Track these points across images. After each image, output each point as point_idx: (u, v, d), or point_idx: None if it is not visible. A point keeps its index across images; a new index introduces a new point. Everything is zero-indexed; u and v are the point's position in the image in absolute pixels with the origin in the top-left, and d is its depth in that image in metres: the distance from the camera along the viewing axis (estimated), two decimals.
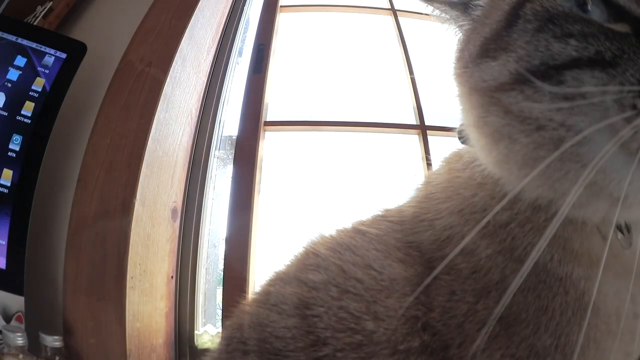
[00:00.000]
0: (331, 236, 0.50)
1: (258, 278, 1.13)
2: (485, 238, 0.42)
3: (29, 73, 1.04)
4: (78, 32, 1.30)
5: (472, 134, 0.44)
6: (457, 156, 0.50)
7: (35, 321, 0.97)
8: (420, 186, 0.52)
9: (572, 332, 0.39)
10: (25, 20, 1.25)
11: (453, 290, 0.41)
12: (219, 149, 1.29)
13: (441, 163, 0.52)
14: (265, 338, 0.43)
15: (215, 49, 1.35)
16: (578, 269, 0.40)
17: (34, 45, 1.05)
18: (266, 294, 0.48)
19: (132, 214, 0.96)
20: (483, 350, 0.39)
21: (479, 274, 0.41)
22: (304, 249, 0.50)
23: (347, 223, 0.52)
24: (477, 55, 0.40)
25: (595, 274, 0.39)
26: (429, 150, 1.33)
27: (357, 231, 0.49)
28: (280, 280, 0.48)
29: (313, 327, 0.41)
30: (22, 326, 0.94)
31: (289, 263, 0.51)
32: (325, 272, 0.45)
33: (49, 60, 1.05)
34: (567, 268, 0.41)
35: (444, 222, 0.45)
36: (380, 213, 0.51)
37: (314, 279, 0.45)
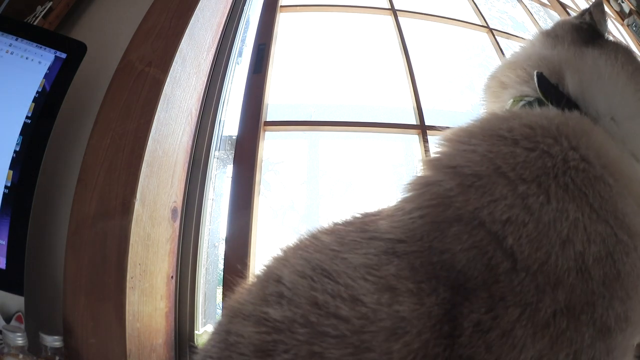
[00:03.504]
0: (300, 253, 0.41)
1: None
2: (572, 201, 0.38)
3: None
4: (78, 32, 1.30)
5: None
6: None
7: (35, 321, 0.97)
8: (416, 186, 0.45)
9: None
10: (25, 20, 1.25)
11: (503, 296, 0.36)
12: (219, 149, 1.29)
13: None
14: None
15: (215, 49, 1.35)
16: None
17: (34, 45, 1.05)
18: (226, 333, 0.39)
19: (132, 213, 0.96)
20: (538, 358, 0.34)
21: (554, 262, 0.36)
22: (265, 270, 0.42)
23: (320, 232, 0.43)
24: None
25: None
26: (429, 150, 1.33)
27: (335, 254, 0.39)
28: (240, 313, 0.39)
29: None
30: (22, 326, 0.94)
31: (249, 288, 0.42)
32: (290, 307, 0.36)
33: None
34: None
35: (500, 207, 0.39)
36: (364, 228, 0.43)
37: (274, 315, 0.36)
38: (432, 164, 0.47)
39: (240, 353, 0.36)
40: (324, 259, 0.39)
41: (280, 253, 0.44)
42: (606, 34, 0.61)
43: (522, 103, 0.54)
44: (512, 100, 0.56)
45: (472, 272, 0.37)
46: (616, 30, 2.39)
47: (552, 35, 0.62)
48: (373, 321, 0.34)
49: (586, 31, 0.59)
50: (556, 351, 0.35)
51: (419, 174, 0.46)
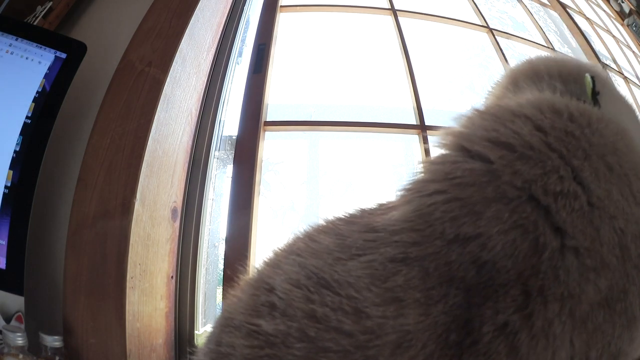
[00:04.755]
0: (293, 258, 0.37)
1: None
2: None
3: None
4: (78, 32, 1.30)
5: None
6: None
7: (35, 321, 0.97)
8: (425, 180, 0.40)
9: None
10: (25, 20, 1.25)
11: (542, 288, 0.33)
12: (219, 149, 1.29)
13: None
14: None
15: (215, 49, 1.35)
16: None
17: (34, 45, 1.05)
18: (217, 343, 0.37)
19: (132, 214, 0.96)
20: (571, 358, 0.32)
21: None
22: (255, 276, 0.39)
23: (317, 231, 0.39)
24: None
25: None
26: (429, 150, 1.33)
27: (335, 259, 0.36)
28: (230, 323, 0.36)
29: None
30: (22, 326, 0.94)
31: (240, 295, 0.39)
32: (284, 319, 0.33)
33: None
34: None
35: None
36: (369, 226, 0.39)
37: (266, 328, 0.33)
38: (458, 138, 0.41)
39: None
40: (321, 265, 0.35)
41: (271, 256, 0.40)
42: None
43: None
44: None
45: (505, 262, 0.33)
46: (616, 30, 2.39)
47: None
48: (379, 335, 0.32)
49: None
50: (589, 348, 0.33)
51: (438, 153, 0.41)
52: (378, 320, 0.32)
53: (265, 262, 0.40)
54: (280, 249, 0.41)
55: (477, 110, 0.44)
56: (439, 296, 0.33)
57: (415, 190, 0.39)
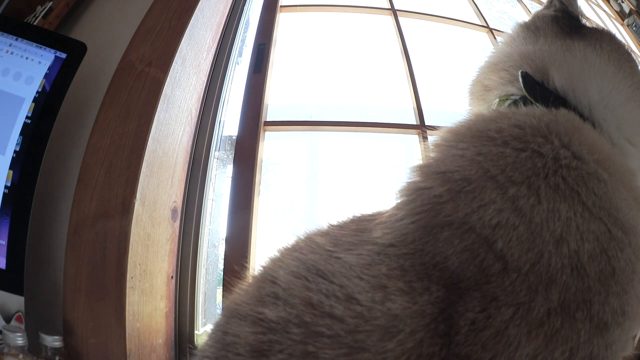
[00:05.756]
0: (294, 254, 0.41)
1: None
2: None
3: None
4: (78, 32, 1.30)
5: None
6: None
7: (35, 321, 0.97)
8: (414, 188, 0.45)
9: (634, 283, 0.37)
10: (25, 20, 1.25)
11: (495, 296, 0.36)
12: (219, 149, 1.29)
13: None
14: None
15: (215, 49, 1.35)
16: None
17: (34, 45, 1.05)
18: (223, 333, 0.39)
19: (132, 214, 0.96)
20: (534, 356, 0.34)
21: (545, 263, 0.36)
22: (261, 271, 0.42)
23: (315, 234, 0.43)
24: None
25: None
26: (429, 151, 1.33)
27: (330, 254, 0.40)
28: (236, 314, 0.39)
29: None
30: (22, 326, 0.94)
31: (246, 289, 0.42)
32: (285, 307, 0.36)
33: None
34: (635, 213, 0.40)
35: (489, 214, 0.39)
36: (357, 232, 0.43)
37: (270, 315, 0.36)
38: (423, 170, 0.46)
39: (236, 353, 0.36)
40: (318, 259, 0.39)
41: (276, 254, 0.44)
42: (581, 17, 0.61)
43: (507, 102, 0.54)
44: (497, 100, 0.56)
45: (464, 273, 0.37)
46: (616, 30, 2.39)
47: (532, 29, 0.61)
48: (367, 320, 0.34)
49: (564, 21, 0.59)
50: (552, 349, 0.35)
51: (410, 180, 0.46)
52: (367, 305, 0.35)
53: (270, 259, 0.43)
54: (283, 248, 0.45)
55: (441, 136, 0.49)
56: (421, 289, 0.37)
57: (391, 214, 0.44)
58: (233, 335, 0.37)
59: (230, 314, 0.40)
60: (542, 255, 0.37)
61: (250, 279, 0.43)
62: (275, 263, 0.42)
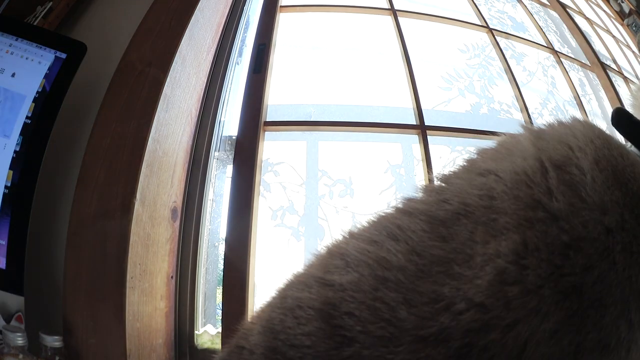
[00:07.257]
0: (362, 231, 0.43)
1: (258, 278, 1.13)
2: None
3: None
4: (78, 32, 1.30)
5: None
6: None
7: (35, 321, 0.97)
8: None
9: None
10: (25, 20, 1.25)
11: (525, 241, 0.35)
12: (219, 150, 1.29)
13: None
14: (276, 347, 0.37)
15: (215, 49, 1.35)
16: None
17: (34, 45, 1.05)
18: (282, 298, 0.41)
19: (132, 213, 0.96)
20: (550, 336, 0.33)
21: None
22: (327, 250, 0.44)
23: (386, 210, 0.44)
24: None
25: None
26: (429, 151, 1.33)
27: (404, 212, 0.42)
28: (299, 283, 0.41)
29: (339, 327, 0.35)
30: (22, 326, 0.94)
31: (309, 264, 0.44)
32: (357, 271, 0.38)
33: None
34: None
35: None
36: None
37: (340, 280, 0.38)
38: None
39: (296, 316, 0.37)
40: (387, 224, 0.41)
41: (340, 236, 0.45)
42: None
43: None
44: None
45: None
46: (616, 30, 2.39)
47: None
48: (419, 266, 0.37)
49: None
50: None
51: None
52: (421, 251, 0.37)
53: (333, 243, 0.44)
54: (345, 233, 0.45)
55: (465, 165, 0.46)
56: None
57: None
58: (294, 297, 0.39)
59: (292, 283, 0.42)
60: None
61: (313, 259, 0.44)
62: (342, 243, 0.43)
